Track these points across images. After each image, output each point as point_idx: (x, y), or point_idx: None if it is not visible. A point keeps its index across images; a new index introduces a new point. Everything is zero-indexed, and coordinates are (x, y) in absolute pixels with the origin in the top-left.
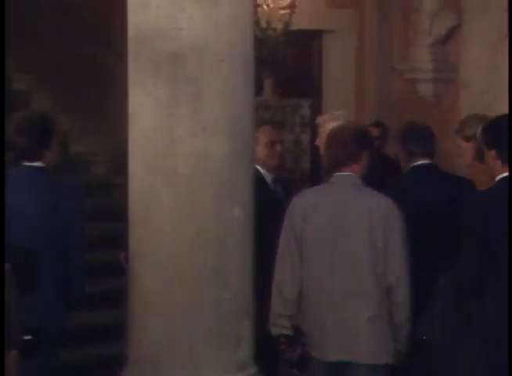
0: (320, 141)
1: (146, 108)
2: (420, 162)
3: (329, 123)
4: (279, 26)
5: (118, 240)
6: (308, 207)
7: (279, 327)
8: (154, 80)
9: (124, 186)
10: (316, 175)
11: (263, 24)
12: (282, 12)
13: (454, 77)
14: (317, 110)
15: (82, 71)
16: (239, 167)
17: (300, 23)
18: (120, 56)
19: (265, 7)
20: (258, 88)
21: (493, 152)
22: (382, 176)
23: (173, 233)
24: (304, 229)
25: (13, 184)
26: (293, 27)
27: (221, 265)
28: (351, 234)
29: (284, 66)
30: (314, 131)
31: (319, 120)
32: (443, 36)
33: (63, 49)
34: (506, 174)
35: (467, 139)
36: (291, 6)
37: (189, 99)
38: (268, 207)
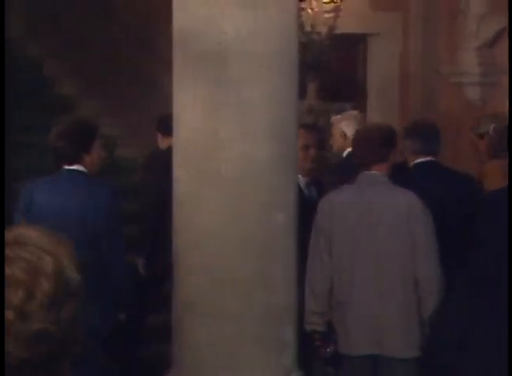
0: (333, 140)
1: (190, 111)
2: (421, 159)
3: (341, 123)
4: (324, 30)
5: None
6: (336, 207)
7: (313, 323)
8: (199, 83)
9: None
10: None
11: (307, 28)
12: (326, 15)
13: (501, 80)
14: (362, 112)
15: (128, 77)
16: (284, 170)
17: (344, 26)
18: (165, 61)
19: (309, 11)
20: (302, 92)
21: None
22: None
23: (219, 236)
24: (333, 228)
25: (52, 188)
26: (338, 31)
27: (267, 270)
28: (379, 231)
29: (328, 69)
30: None
31: (332, 120)
32: (490, 39)
33: (111, 55)
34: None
35: (481, 136)
36: (336, 10)
37: (233, 102)
38: (300, 211)
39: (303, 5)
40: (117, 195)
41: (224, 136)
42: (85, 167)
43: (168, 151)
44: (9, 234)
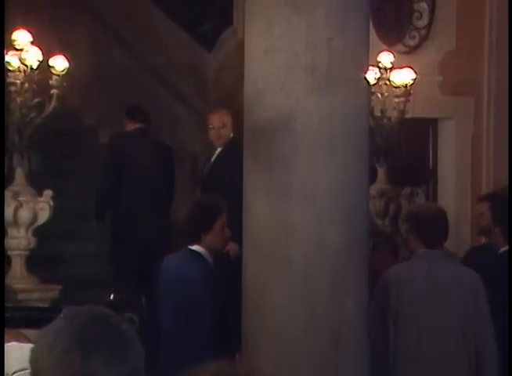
0: None
1: (260, 196)
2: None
3: None
4: (394, 114)
5: None
6: (401, 283)
7: None
8: (270, 168)
9: None
10: None
11: (377, 113)
12: (396, 100)
13: None
14: (433, 198)
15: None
16: (354, 256)
17: (415, 110)
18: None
19: (379, 95)
20: (372, 176)
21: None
22: None
23: (286, 321)
24: (398, 303)
25: (172, 268)
26: (408, 115)
27: (336, 355)
28: (444, 306)
29: (398, 153)
30: None
31: None
32: None
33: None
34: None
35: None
36: (406, 94)
37: (303, 187)
38: None
39: (373, 89)
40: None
41: (293, 222)
42: (205, 246)
43: (133, 133)
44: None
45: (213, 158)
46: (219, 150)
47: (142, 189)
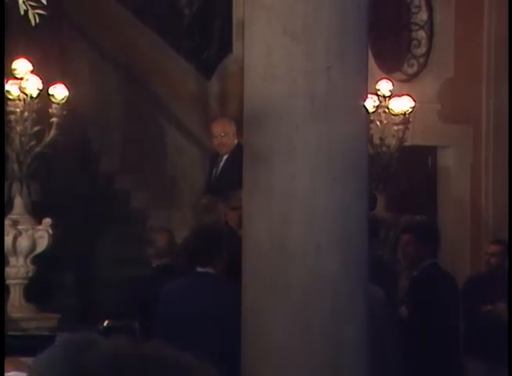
0: None
1: (259, 223)
2: None
3: None
4: (393, 142)
5: None
6: None
7: None
8: (269, 195)
9: None
10: None
11: (376, 141)
12: (395, 128)
13: None
14: None
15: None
16: (353, 283)
17: (414, 138)
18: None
19: (378, 123)
20: (371, 204)
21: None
22: None
23: (285, 348)
24: None
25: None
26: (407, 143)
27: None
28: None
29: (397, 181)
30: None
31: None
32: None
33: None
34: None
35: None
36: (405, 122)
37: (303, 214)
38: None
39: (372, 117)
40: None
41: (293, 249)
42: (215, 268)
43: None
44: None
45: (220, 165)
46: (225, 157)
47: None
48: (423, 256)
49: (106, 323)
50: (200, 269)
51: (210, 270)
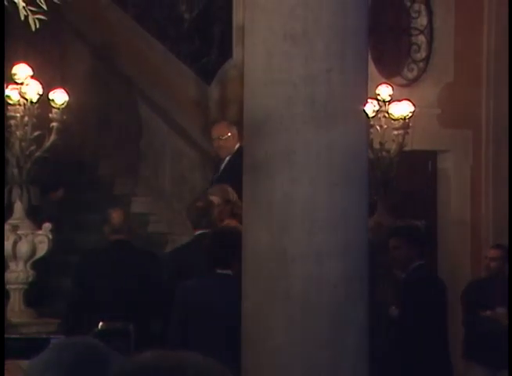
0: None
1: (259, 229)
2: None
3: None
4: (393, 146)
5: None
6: None
7: None
8: (269, 201)
9: None
10: None
11: (376, 145)
12: (395, 132)
13: None
14: (432, 230)
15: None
16: (353, 290)
17: (414, 143)
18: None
19: (378, 128)
20: (371, 209)
21: None
22: None
23: (285, 355)
24: None
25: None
26: (407, 148)
27: None
28: None
29: (397, 186)
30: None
31: None
32: None
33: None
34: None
35: None
36: (405, 127)
37: (302, 221)
38: None
39: (372, 122)
40: None
41: (293, 255)
42: (233, 270)
43: None
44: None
45: (221, 168)
46: (227, 159)
47: None
48: (412, 258)
49: (100, 326)
50: (219, 271)
51: (229, 272)
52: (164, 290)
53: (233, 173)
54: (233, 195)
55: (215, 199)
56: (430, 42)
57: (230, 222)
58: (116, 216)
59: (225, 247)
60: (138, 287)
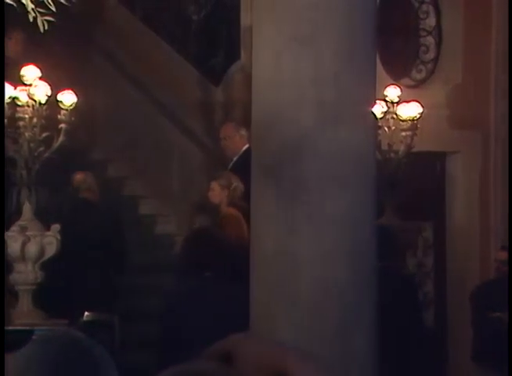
0: None
1: (267, 232)
2: None
3: None
4: (401, 148)
5: None
6: None
7: None
8: (277, 203)
9: None
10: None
11: (384, 147)
12: (403, 134)
13: None
14: (440, 232)
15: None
16: (362, 293)
17: (422, 144)
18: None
19: (386, 129)
20: (379, 211)
21: None
22: None
23: None
24: None
25: None
26: (415, 149)
27: None
28: None
29: (406, 187)
30: (437, 254)
31: None
32: None
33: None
34: None
35: None
36: (413, 128)
37: (311, 222)
38: None
39: (380, 123)
40: None
41: (301, 258)
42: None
43: None
44: None
45: (229, 168)
46: (234, 159)
47: None
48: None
49: (85, 317)
50: (200, 274)
51: (208, 274)
52: None
53: (240, 174)
54: (236, 183)
55: (215, 184)
56: (438, 43)
57: (228, 210)
58: (79, 177)
59: (200, 249)
60: None
